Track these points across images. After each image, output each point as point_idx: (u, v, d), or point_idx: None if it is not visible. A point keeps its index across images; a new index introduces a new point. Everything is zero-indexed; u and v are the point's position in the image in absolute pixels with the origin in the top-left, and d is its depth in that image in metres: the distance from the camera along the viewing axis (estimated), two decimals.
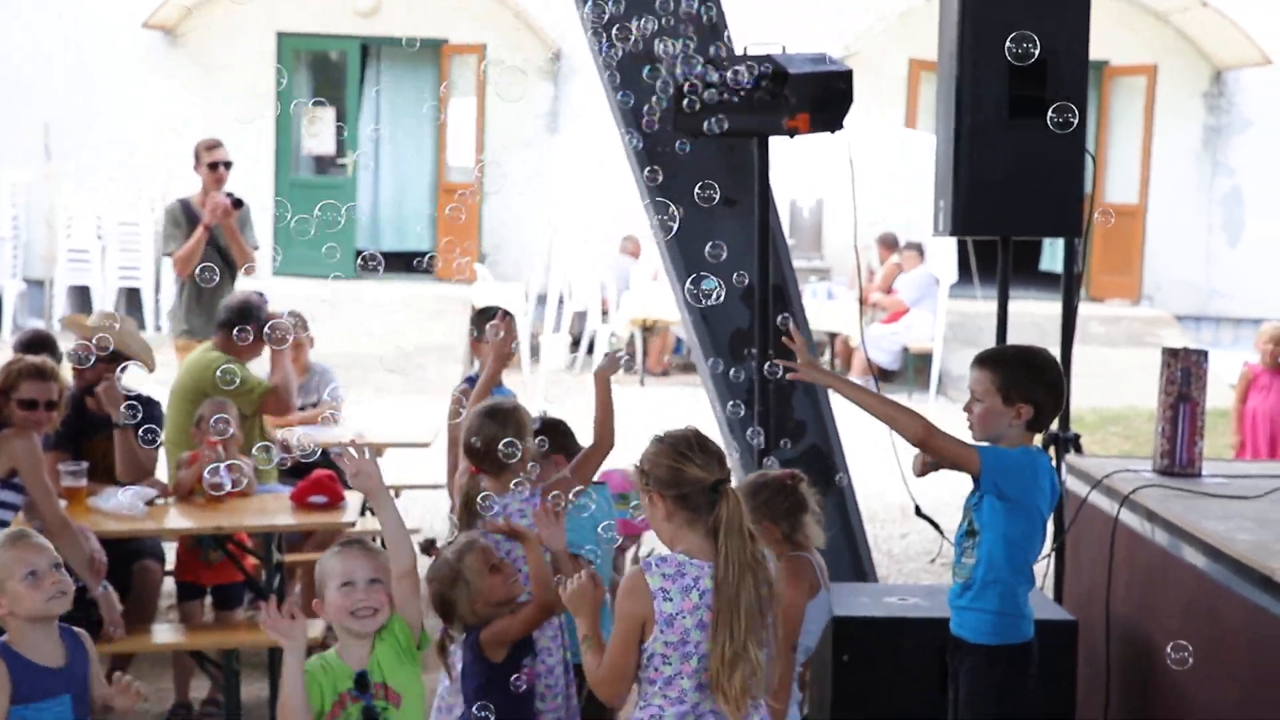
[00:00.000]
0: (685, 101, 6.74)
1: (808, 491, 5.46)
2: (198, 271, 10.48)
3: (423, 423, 11.02)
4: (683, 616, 4.19)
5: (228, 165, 11.08)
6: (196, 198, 10.87)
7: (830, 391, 8.33)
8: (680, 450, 4.29)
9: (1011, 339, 8.03)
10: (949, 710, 5.43)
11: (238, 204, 10.86)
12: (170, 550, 8.37)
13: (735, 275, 7.51)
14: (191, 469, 7.89)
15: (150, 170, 20.90)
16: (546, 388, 16.48)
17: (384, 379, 13.99)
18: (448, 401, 8.31)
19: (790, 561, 5.29)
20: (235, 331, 8.90)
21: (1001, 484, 5.16)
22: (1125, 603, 6.60)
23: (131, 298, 20.97)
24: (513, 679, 5.29)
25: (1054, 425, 7.73)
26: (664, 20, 6.94)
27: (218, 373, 8.44)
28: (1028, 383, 5.28)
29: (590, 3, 7.43)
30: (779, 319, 6.17)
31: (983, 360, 5.43)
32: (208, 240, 10.74)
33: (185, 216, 10.82)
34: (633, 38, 6.93)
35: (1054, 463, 7.54)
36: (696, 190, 6.34)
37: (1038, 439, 5.50)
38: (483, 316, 8.54)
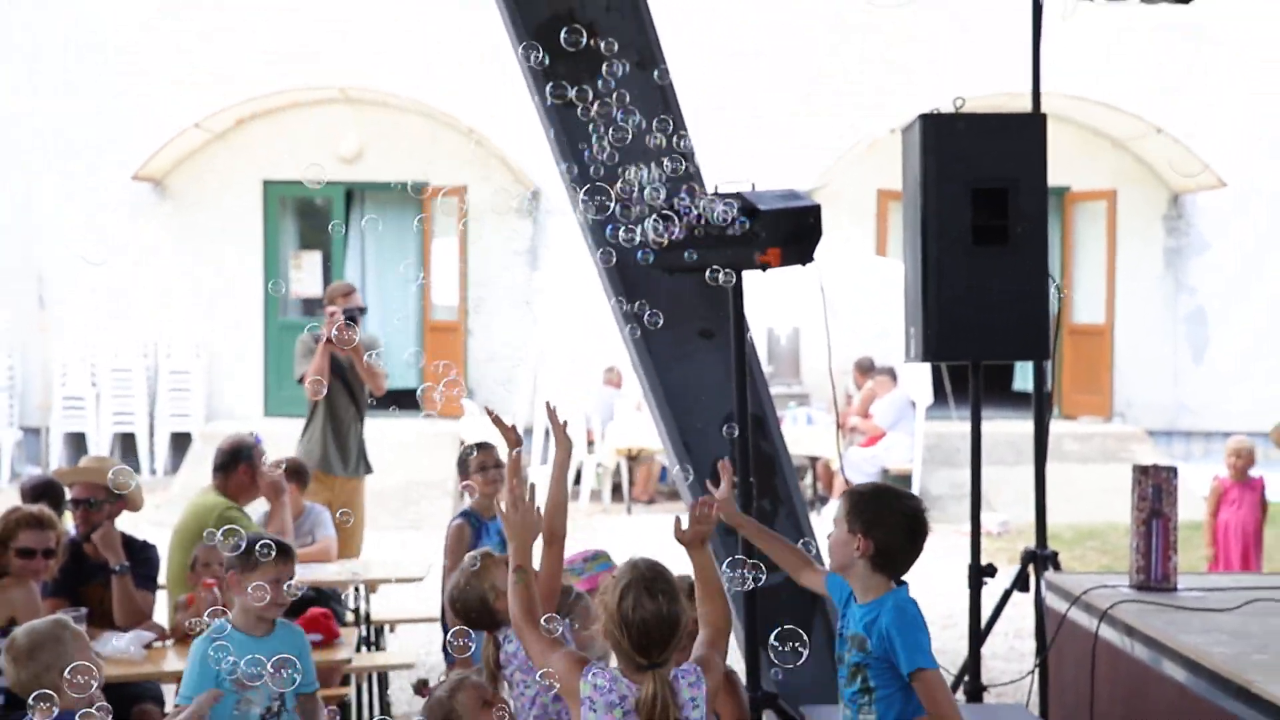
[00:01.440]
0: (662, 243, 6.81)
1: None
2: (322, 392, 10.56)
3: (416, 558, 11.01)
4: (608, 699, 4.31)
5: (363, 311, 11.27)
6: (324, 333, 10.81)
7: (811, 514, 8.38)
8: (629, 599, 4.35)
9: (986, 458, 8.08)
10: None
11: (351, 320, 10.67)
12: (169, 692, 8.31)
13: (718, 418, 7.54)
14: (187, 611, 7.85)
15: (141, 318, 21.00)
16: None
17: (376, 515, 13.97)
18: (442, 536, 8.35)
19: (732, 680, 5.54)
20: (227, 475, 8.98)
21: (887, 637, 5.17)
22: (1108, 715, 6.58)
23: (126, 442, 20.93)
24: None
25: (1031, 543, 7.78)
26: (634, 150, 7.02)
27: (217, 520, 8.47)
28: (869, 517, 5.25)
29: (561, 154, 7.52)
30: (717, 462, 6.22)
31: (844, 492, 5.56)
32: (333, 372, 10.70)
33: (316, 344, 10.81)
34: (604, 169, 7.01)
35: (1023, 587, 7.56)
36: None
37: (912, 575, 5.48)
38: (470, 454, 8.60)
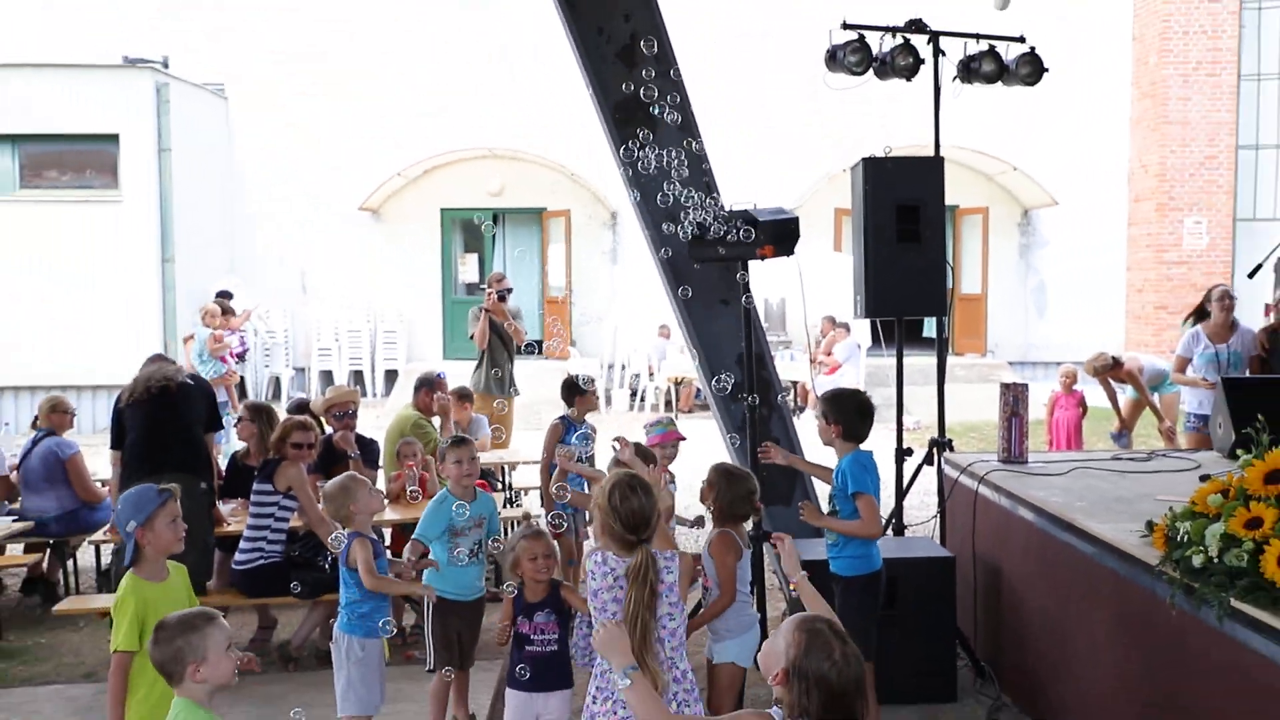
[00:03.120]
0: (694, 238, 6.80)
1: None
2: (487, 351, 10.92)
3: (536, 450, 11.04)
4: (602, 592, 4.09)
5: (510, 291, 11.22)
6: (488, 305, 11.00)
7: (794, 417, 8.35)
8: (616, 495, 4.13)
9: (906, 381, 8.04)
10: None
11: (502, 297, 10.98)
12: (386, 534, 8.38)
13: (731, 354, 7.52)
14: (397, 483, 7.95)
15: (365, 297, 21.19)
16: (613, 422, 16.43)
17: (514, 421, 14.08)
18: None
19: (722, 536, 5.23)
20: (420, 394, 9.07)
21: (843, 477, 5.38)
22: (984, 544, 6.57)
23: (357, 376, 21.15)
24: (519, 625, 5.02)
25: (935, 434, 7.74)
26: (679, 185, 6.98)
27: (411, 428, 8.58)
28: (834, 409, 5.47)
29: (632, 188, 7.48)
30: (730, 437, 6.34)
31: (820, 397, 5.70)
32: (492, 330, 10.82)
33: (481, 312, 11.01)
34: (660, 199, 6.98)
35: (931, 463, 7.53)
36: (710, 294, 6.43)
37: (873, 445, 5.59)
38: (569, 384, 8.57)
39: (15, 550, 8.71)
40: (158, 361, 7.70)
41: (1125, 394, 11.25)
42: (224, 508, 7.63)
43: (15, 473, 8.51)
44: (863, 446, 5.46)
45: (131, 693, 4.36)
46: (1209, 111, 20.42)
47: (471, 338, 11.07)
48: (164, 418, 7.07)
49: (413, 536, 5.72)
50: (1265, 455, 4.22)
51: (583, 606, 4.60)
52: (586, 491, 6.21)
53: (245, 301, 19.81)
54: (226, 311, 15.01)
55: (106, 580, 8.23)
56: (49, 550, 8.71)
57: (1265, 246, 20.68)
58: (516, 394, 11.30)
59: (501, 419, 10.68)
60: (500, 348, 10.93)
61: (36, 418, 8.85)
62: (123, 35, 20.89)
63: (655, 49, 7.51)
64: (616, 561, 4.09)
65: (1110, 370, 10.92)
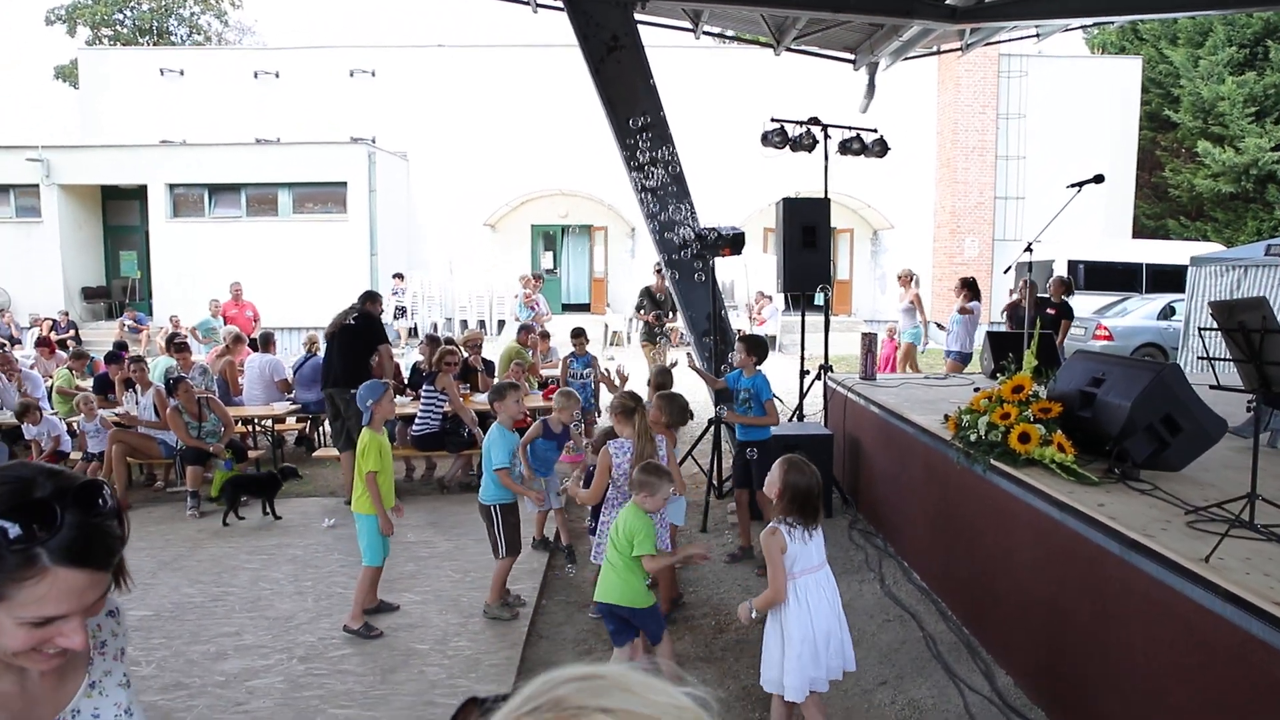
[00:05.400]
0: (684, 246, 6.71)
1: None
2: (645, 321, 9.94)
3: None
4: (621, 465, 4.08)
5: (660, 271, 9.54)
6: (654, 286, 9.99)
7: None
8: (626, 399, 4.12)
9: (807, 329, 7.94)
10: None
11: (659, 272, 9.74)
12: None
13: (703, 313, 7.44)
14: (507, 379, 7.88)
15: (489, 279, 21.02)
16: (634, 350, 16.32)
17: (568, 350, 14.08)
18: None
19: (667, 432, 4.77)
20: (520, 334, 8.98)
21: (756, 389, 5.29)
22: (850, 426, 6.58)
23: (482, 324, 20.84)
24: None
25: (822, 361, 7.69)
26: (673, 211, 6.89)
27: (516, 354, 8.50)
28: (750, 346, 5.34)
29: (646, 213, 7.39)
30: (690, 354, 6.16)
31: (740, 339, 5.49)
32: (655, 305, 9.91)
33: (648, 294, 9.97)
34: (662, 219, 6.89)
35: (819, 378, 7.49)
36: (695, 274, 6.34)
37: (764, 368, 5.52)
38: (574, 331, 8.37)
39: (291, 421, 8.78)
40: (364, 296, 7.02)
41: (903, 338, 11.02)
42: (406, 398, 7.64)
43: (292, 377, 8.55)
44: (760, 369, 5.45)
45: (381, 481, 4.43)
46: (979, 176, 20.35)
47: (637, 313, 10.19)
48: (334, 346, 6.79)
49: (495, 467, 4.48)
50: (1011, 377, 4.22)
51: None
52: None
53: (414, 280, 19.79)
54: (537, 278, 13.14)
55: (338, 439, 8.30)
56: (310, 421, 8.79)
57: (1011, 256, 20.44)
58: (669, 343, 10.43)
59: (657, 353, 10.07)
60: (654, 308, 10.09)
61: (304, 344, 8.87)
62: (352, 122, 20.73)
63: (660, 129, 7.40)
64: (627, 442, 4.10)
65: (906, 279, 10.57)
